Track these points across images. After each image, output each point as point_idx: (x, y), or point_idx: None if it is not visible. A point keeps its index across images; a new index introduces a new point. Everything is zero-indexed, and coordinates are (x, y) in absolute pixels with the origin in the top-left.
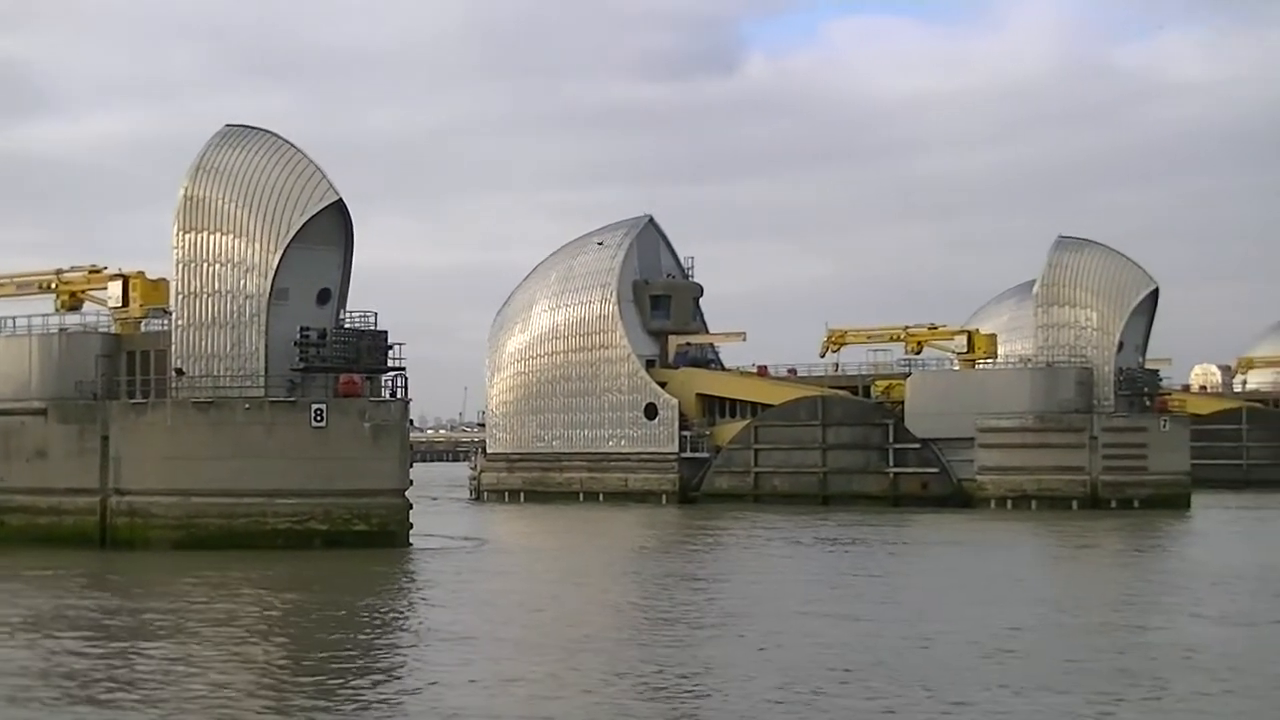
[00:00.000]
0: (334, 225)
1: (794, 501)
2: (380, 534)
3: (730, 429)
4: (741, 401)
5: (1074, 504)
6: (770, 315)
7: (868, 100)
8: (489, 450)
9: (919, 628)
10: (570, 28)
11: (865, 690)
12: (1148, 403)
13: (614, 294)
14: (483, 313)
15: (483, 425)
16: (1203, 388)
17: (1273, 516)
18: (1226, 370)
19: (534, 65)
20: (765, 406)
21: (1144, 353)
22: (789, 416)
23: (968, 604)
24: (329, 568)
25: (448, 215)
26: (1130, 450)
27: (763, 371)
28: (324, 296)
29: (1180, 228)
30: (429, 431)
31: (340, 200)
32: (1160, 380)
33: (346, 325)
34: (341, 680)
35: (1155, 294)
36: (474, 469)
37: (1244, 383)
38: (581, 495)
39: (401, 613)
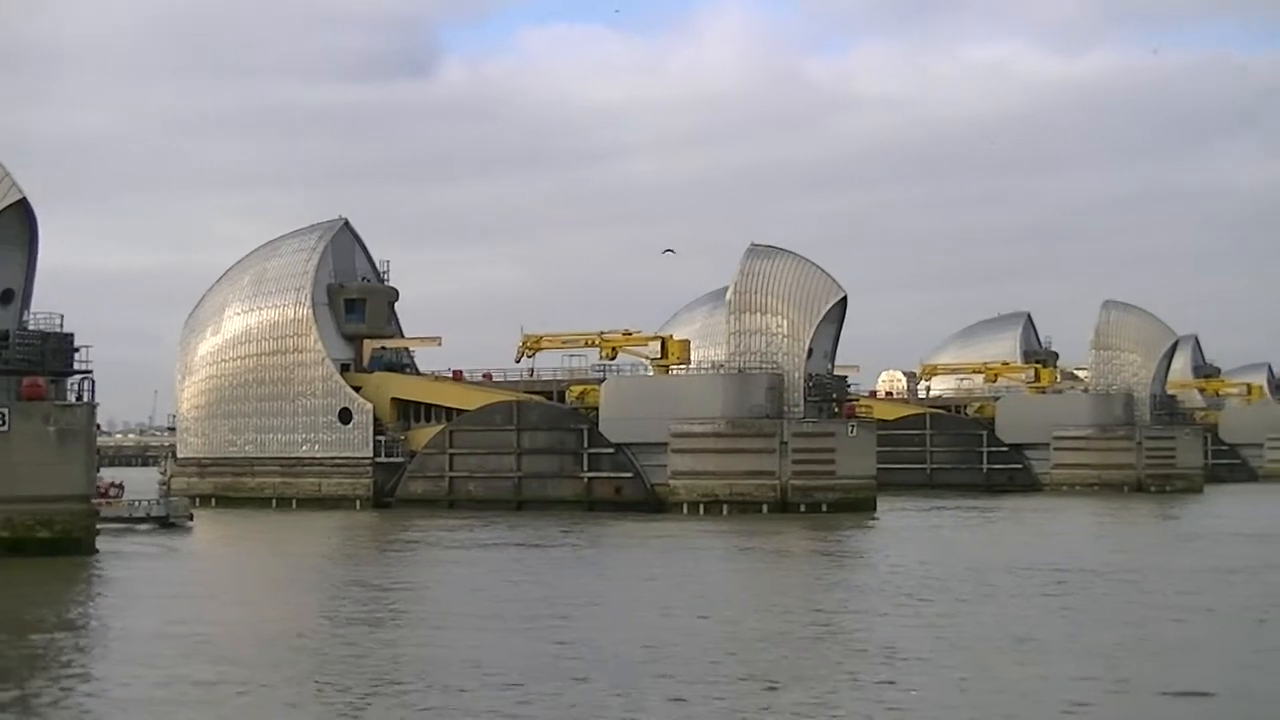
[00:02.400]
0: (17, 224)
1: (489, 506)
2: (65, 541)
3: (425, 433)
4: (437, 406)
5: (764, 508)
6: (466, 320)
7: (566, 107)
8: (179, 455)
9: (567, 629)
10: (267, 27)
11: (475, 688)
12: (836, 408)
13: (308, 297)
14: (176, 315)
15: (173, 429)
16: (889, 394)
17: (950, 519)
18: (911, 377)
19: (229, 64)
20: (460, 411)
21: (833, 359)
22: (484, 421)
23: (627, 606)
24: (5, 576)
25: (141, 215)
26: (819, 455)
27: (458, 376)
28: (6, 297)
29: (869, 237)
30: (117, 436)
31: (24, 199)
32: (848, 386)
33: (30, 327)
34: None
35: (844, 302)
36: (164, 474)
37: (928, 389)
38: (274, 501)
39: (75, 621)
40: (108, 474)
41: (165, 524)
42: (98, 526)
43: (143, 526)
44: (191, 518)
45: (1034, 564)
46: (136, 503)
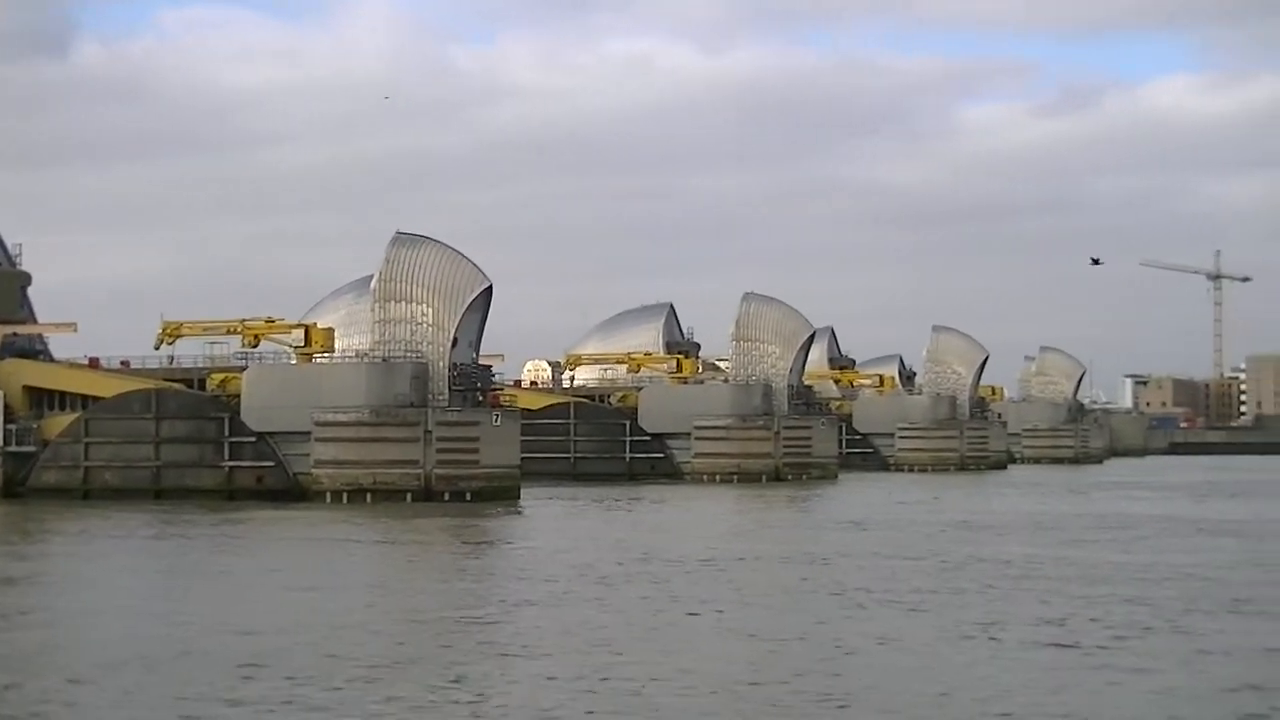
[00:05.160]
0: None
1: (126, 496)
2: None
3: (59, 422)
4: (72, 394)
5: (409, 496)
6: (104, 306)
7: (206, 91)
8: None
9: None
10: None
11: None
12: (481, 397)
13: None
14: None
15: None
16: (534, 383)
17: (592, 508)
18: (556, 366)
19: None
20: (97, 399)
21: (478, 349)
22: (121, 410)
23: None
24: None
25: None
26: (463, 444)
27: (94, 363)
28: None
29: (515, 228)
30: None
31: None
32: (493, 376)
33: None
34: None
35: (489, 291)
36: None
37: (572, 379)
38: None
39: None
40: None
41: None
42: None
43: None
44: None
45: (650, 553)
46: None
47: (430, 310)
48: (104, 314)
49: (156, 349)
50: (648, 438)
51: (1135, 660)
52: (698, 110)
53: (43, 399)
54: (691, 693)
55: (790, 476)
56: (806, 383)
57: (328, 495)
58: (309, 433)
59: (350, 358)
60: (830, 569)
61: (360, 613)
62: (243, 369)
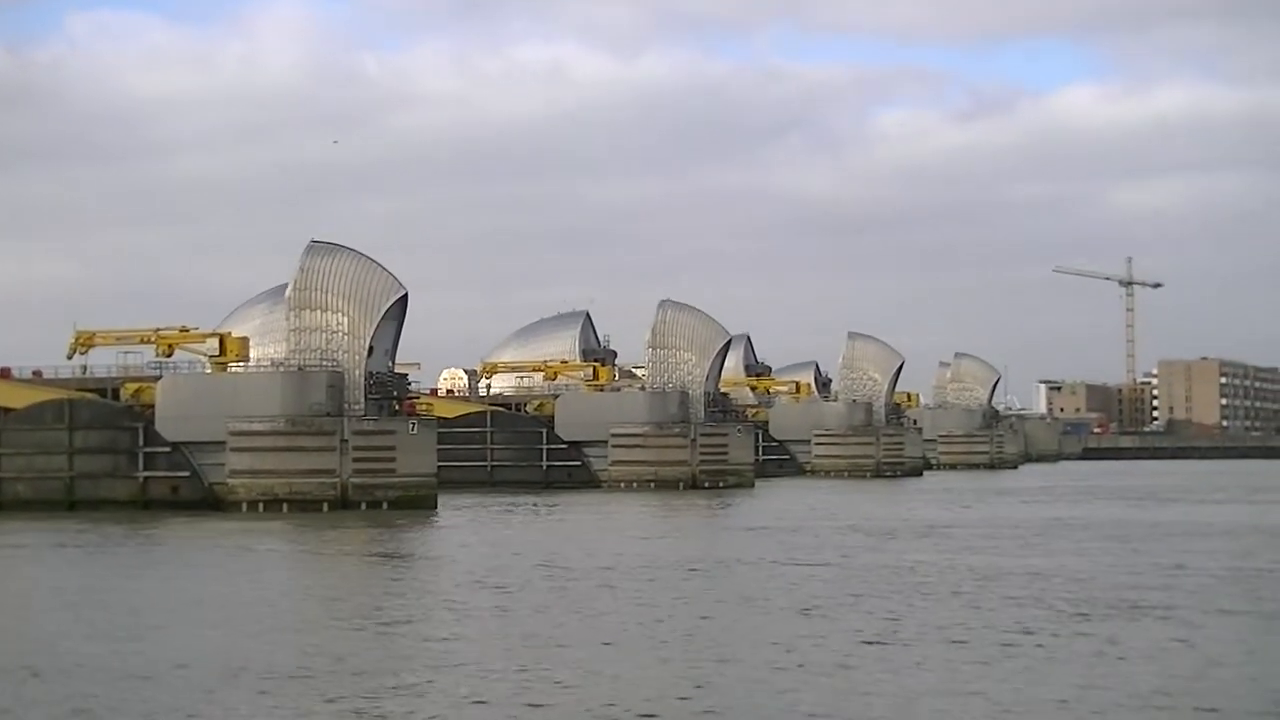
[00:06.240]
0: None
1: (39, 508)
2: None
3: None
4: None
5: (325, 506)
6: (16, 316)
7: (114, 97)
8: None
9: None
10: None
11: None
12: (397, 406)
13: None
14: None
15: None
16: (450, 391)
17: (508, 517)
18: (472, 374)
19: None
20: (9, 410)
21: (394, 357)
22: (33, 420)
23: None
24: None
25: None
26: (379, 453)
27: (5, 373)
28: None
29: (430, 235)
30: None
31: None
32: (409, 384)
33: None
34: None
35: (404, 300)
36: None
37: (488, 386)
38: None
39: None
40: None
41: None
42: None
43: None
44: None
45: (565, 563)
46: None
47: (345, 319)
48: (13, 323)
49: (69, 358)
50: (564, 445)
51: (1027, 662)
52: (611, 117)
53: None
54: (593, 700)
55: (707, 484)
56: (723, 390)
57: (243, 505)
58: (224, 442)
59: (265, 367)
60: (739, 576)
61: (263, 627)
62: (157, 378)
